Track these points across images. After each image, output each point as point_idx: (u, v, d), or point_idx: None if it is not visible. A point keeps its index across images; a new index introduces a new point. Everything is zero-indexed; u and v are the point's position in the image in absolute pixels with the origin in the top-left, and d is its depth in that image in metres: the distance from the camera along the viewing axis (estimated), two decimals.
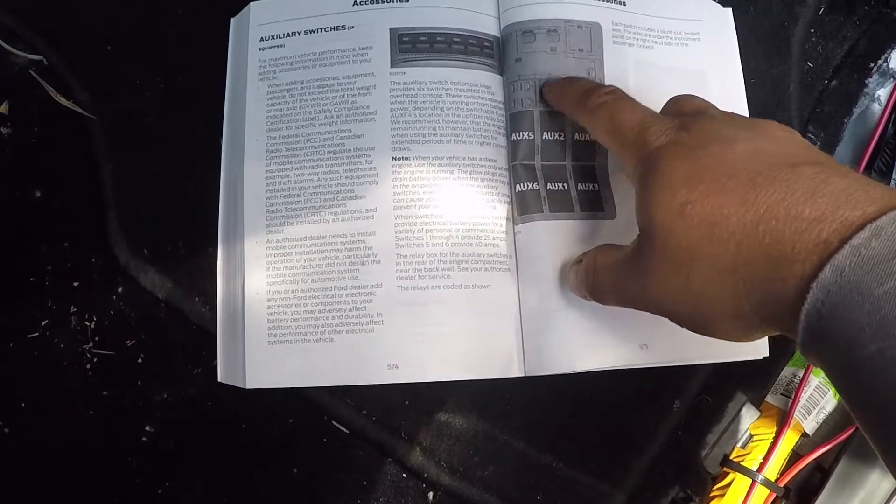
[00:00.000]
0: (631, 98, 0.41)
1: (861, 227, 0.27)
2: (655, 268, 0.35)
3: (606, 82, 0.46)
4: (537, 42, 0.46)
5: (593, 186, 0.46)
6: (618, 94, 0.41)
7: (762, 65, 0.49)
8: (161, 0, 0.51)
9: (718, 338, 0.34)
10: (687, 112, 0.39)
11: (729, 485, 0.48)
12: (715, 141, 0.34)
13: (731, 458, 0.49)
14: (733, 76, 0.49)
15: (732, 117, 0.37)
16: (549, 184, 0.45)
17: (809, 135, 0.50)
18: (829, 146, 0.50)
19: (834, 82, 0.51)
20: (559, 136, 0.46)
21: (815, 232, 0.28)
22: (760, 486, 0.48)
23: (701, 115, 0.38)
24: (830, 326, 0.27)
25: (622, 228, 0.45)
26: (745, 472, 0.48)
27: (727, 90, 0.48)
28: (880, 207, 0.28)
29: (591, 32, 0.47)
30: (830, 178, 0.30)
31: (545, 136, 0.46)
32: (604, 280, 0.39)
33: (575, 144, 0.46)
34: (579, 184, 0.46)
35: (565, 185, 0.45)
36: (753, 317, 0.32)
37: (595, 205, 0.45)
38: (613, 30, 0.47)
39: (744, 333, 0.33)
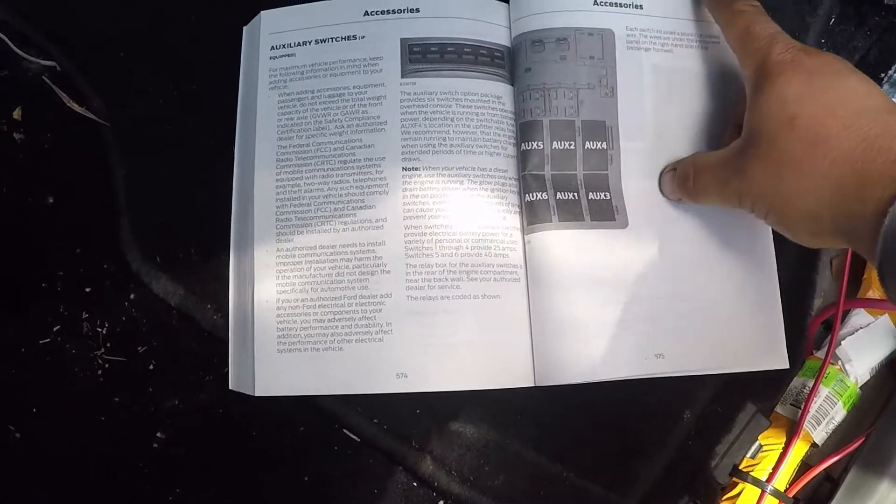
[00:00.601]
0: (767, 16, 0.43)
1: None
2: (754, 167, 0.39)
3: (620, 88, 0.47)
4: (547, 51, 0.46)
5: (605, 196, 0.46)
6: (759, 9, 0.43)
7: None
8: (175, 7, 0.51)
9: (791, 236, 0.39)
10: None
11: (738, 495, 0.48)
12: (832, 71, 0.38)
13: (740, 468, 0.49)
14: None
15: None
16: (558, 193, 0.45)
17: None
18: None
19: None
20: (569, 145, 0.46)
21: None
22: (770, 496, 0.48)
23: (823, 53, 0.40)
24: None
25: (634, 238, 0.45)
26: (755, 482, 0.48)
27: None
28: None
29: (603, 39, 0.47)
30: None
31: (555, 145, 0.46)
32: (704, 178, 0.43)
33: (586, 154, 0.46)
34: (590, 193, 0.46)
35: (575, 194, 0.45)
36: (829, 225, 0.36)
37: (606, 214, 0.45)
38: (628, 35, 0.47)
39: (814, 238, 0.38)
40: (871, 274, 0.50)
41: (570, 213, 0.45)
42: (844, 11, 0.52)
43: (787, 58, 0.39)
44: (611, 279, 0.45)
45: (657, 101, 0.47)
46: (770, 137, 0.38)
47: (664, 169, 0.46)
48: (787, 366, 0.46)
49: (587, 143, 0.46)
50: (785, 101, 0.38)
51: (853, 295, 0.51)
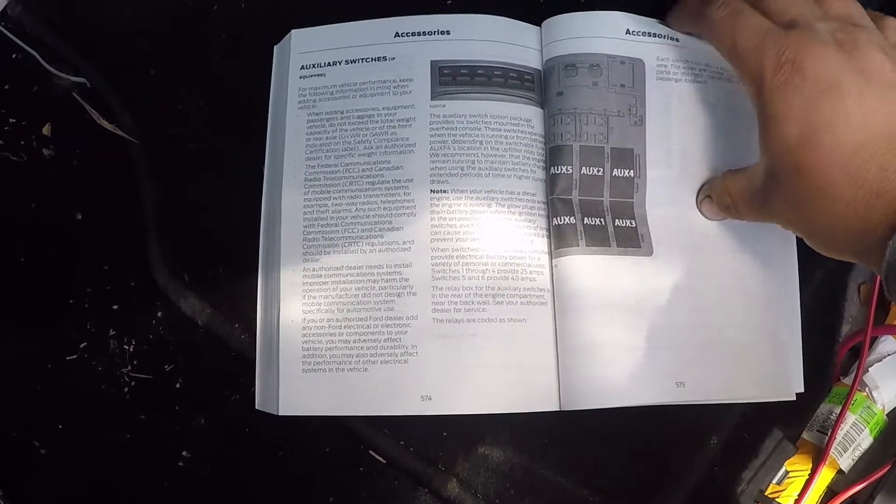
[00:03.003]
0: (750, 11, 0.41)
1: None
2: (776, 203, 0.41)
3: (648, 118, 0.46)
4: (579, 76, 0.46)
5: (630, 223, 0.46)
6: (736, 7, 0.42)
7: None
8: (206, 25, 0.51)
9: (819, 250, 0.40)
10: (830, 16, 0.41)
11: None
12: (826, 93, 0.37)
13: (766, 494, 0.49)
14: None
15: (855, 49, 0.38)
16: (585, 218, 0.45)
17: None
18: None
19: None
20: (598, 171, 0.46)
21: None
22: None
23: (818, 46, 0.38)
24: None
25: (659, 266, 0.45)
26: None
27: None
28: None
29: (634, 68, 0.47)
30: None
31: (584, 170, 0.46)
32: (742, 207, 0.43)
33: (613, 181, 0.46)
34: (616, 219, 0.45)
35: (602, 220, 0.45)
36: (844, 246, 0.38)
37: (632, 241, 0.45)
38: (658, 66, 0.47)
39: (837, 254, 0.39)
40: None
41: (597, 239, 0.45)
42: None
43: (780, 81, 0.38)
44: (635, 306, 0.45)
45: (685, 132, 0.47)
46: (784, 182, 0.39)
47: (699, 195, 0.46)
48: (801, 390, 0.46)
49: (615, 170, 0.46)
50: (789, 147, 0.38)
51: (881, 321, 0.51)
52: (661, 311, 0.45)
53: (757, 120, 0.40)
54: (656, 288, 0.45)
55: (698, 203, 0.46)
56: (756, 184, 0.41)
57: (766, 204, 0.41)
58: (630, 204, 0.46)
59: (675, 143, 0.47)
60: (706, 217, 0.46)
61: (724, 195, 0.44)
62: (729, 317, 0.46)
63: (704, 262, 0.46)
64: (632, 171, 0.46)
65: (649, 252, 0.45)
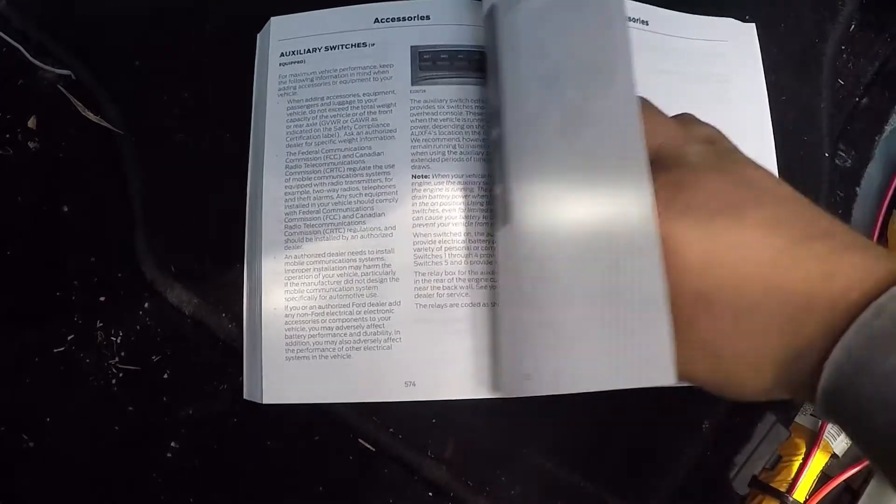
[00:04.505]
0: (649, 107, 0.39)
1: (864, 306, 0.29)
2: (682, 351, 0.35)
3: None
4: None
5: None
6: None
7: (793, 83, 0.49)
8: (190, 16, 0.51)
9: (739, 395, 0.35)
10: (696, 138, 0.38)
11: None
12: (724, 210, 0.34)
13: (759, 479, 0.48)
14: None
15: (734, 165, 0.36)
16: None
17: (840, 153, 0.49)
18: (859, 165, 0.50)
19: (865, 100, 0.50)
20: None
21: (829, 320, 0.30)
22: None
23: (700, 163, 0.36)
24: (844, 400, 0.29)
25: None
26: (774, 493, 0.48)
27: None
28: (878, 282, 0.30)
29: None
30: (844, 255, 0.31)
31: None
32: None
33: None
34: None
35: None
36: (776, 391, 0.34)
37: None
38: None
39: (764, 394, 0.34)
40: None
41: None
42: (865, 19, 0.51)
43: (670, 195, 0.34)
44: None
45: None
46: (688, 321, 0.34)
47: None
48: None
49: None
50: (691, 274, 0.33)
51: None
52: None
53: None
54: None
55: None
56: None
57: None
58: None
59: None
60: None
61: None
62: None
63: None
64: None
65: None
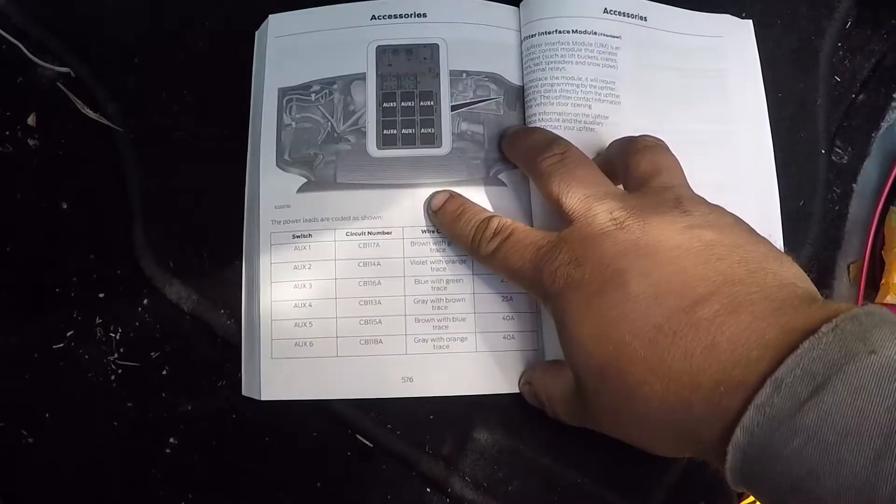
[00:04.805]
0: (519, 232, 0.40)
1: (761, 383, 0.28)
2: (593, 413, 0.37)
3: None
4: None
5: None
6: (504, 234, 0.40)
7: (789, 79, 0.49)
8: (189, 13, 0.51)
9: (662, 454, 0.37)
10: (634, 176, 0.39)
11: (755, 502, 0.48)
12: (609, 280, 0.34)
13: None
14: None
15: (621, 225, 0.36)
16: None
17: (837, 149, 0.49)
18: (856, 161, 0.50)
19: (861, 96, 0.50)
20: None
21: (717, 399, 0.29)
22: None
23: (591, 231, 0.36)
24: (752, 481, 0.29)
25: None
26: None
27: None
28: (774, 353, 0.28)
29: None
30: (727, 321, 0.30)
31: None
32: (557, 410, 0.41)
33: None
34: None
35: None
36: (682, 450, 0.35)
37: None
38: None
39: (683, 455, 0.36)
40: (889, 279, 0.49)
41: None
42: (861, 15, 0.51)
43: (560, 287, 0.35)
44: None
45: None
46: (593, 391, 0.35)
47: (521, 378, 0.44)
48: None
49: None
50: (586, 350, 0.34)
51: (871, 300, 0.50)
52: None
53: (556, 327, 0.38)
54: None
55: (520, 386, 0.44)
56: (570, 391, 0.39)
57: (585, 413, 0.38)
58: None
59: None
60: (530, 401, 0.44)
61: (542, 392, 0.42)
62: None
63: None
64: None
65: None
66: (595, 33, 0.47)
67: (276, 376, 0.44)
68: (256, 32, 0.49)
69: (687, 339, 0.31)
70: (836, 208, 0.49)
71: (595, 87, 0.46)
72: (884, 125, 0.51)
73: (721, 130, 0.47)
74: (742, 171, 0.47)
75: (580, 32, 0.47)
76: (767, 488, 0.28)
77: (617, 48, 0.47)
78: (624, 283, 0.33)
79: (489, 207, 0.44)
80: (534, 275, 0.37)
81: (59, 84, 0.50)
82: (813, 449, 0.26)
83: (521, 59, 0.47)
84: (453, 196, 0.44)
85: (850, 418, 0.26)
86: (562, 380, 0.40)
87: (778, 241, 0.47)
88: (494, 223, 0.41)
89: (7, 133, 0.49)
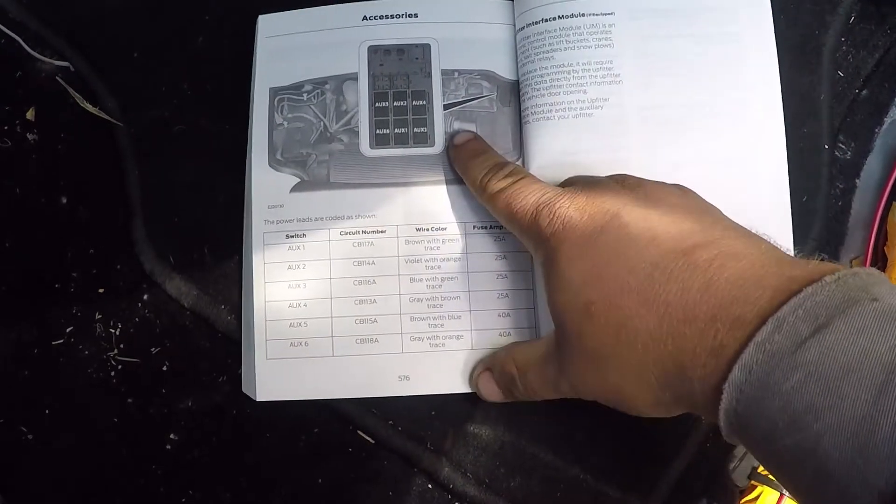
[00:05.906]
0: (531, 178, 0.40)
1: (763, 321, 0.28)
2: (573, 364, 0.36)
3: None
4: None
5: None
6: (518, 178, 0.40)
7: (793, 74, 0.48)
8: (189, 7, 0.50)
9: (639, 412, 0.35)
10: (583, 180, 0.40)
11: (757, 498, 0.48)
12: (608, 222, 0.34)
13: (759, 470, 0.48)
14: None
15: (623, 183, 0.37)
16: None
17: (840, 144, 0.49)
18: (859, 156, 0.50)
19: (865, 91, 0.50)
20: None
21: (712, 333, 0.29)
22: (788, 499, 0.47)
23: (595, 184, 0.38)
24: (747, 422, 0.28)
25: None
26: (774, 485, 0.48)
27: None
28: (774, 294, 0.29)
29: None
30: (726, 264, 0.31)
31: None
32: (530, 379, 0.40)
33: None
34: None
35: None
36: (673, 406, 0.34)
37: None
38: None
39: (668, 414, 0.35)
40: (892, 274, 0.49)
41: None
42: (865, 10, 0.51)
43: (556, 228, 0.36)
44: None
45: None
46: (576, 333, 0.35)
47: (475, 370, 0.44)
48: None
49: None
50: (575, 289, 0.34)
51: None
52: None
53: (542, 275, 0.38)
54: None
55: (474, 379, 0.44)
56: (549, 349, 0.38)
57: (563, 368, 0.37)
58: None
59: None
60: (482, 397, 0.43)
61: (509, 364, 0.41)
62: None
63: None
64: None
65: None
66: (583, 15, 0.46)
67: (272, 377, 0.44)
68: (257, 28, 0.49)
69: (684, 275, 0.31)
70: (839, 204, 0.49)
71: (589, 70, 0.45)
72: (887, 121, 0.50)
73: (734, 99, 0.46)
74: (753, 145, 0.46)
75: (566, 17, 0.46)
76: (762, 431, 0.28)
77: (611, 25, 0.46)
78: (622, 226, 0.34)
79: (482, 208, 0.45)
80: (533, 217, 0.38)
81: (58, 78, 0.50)
82: (814, 384, 0.26)
83: (516, 53, 0.47)
84: (478, 137, 0.45)
85: (853, 356, 0.26)
86: (533, 345, 0.40)
87: (786, 220, 0.46)
88: (510, 167, 0.42)
89: (6, 128, 0.49)
